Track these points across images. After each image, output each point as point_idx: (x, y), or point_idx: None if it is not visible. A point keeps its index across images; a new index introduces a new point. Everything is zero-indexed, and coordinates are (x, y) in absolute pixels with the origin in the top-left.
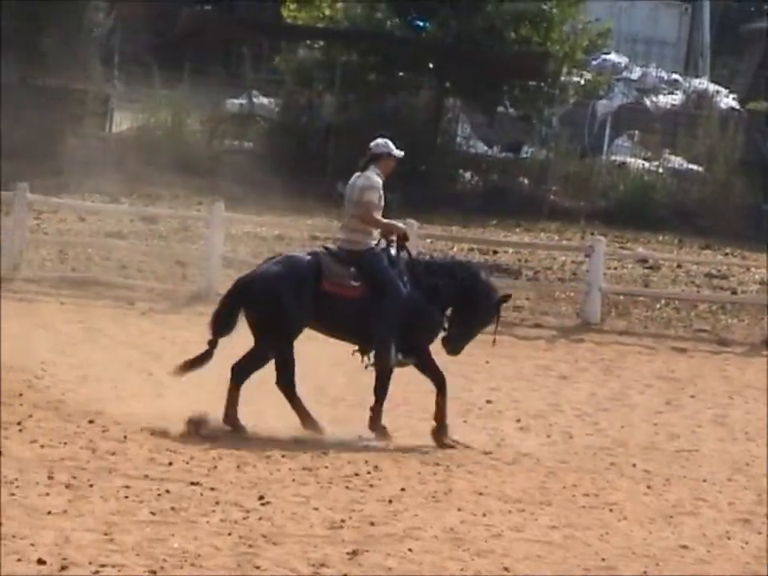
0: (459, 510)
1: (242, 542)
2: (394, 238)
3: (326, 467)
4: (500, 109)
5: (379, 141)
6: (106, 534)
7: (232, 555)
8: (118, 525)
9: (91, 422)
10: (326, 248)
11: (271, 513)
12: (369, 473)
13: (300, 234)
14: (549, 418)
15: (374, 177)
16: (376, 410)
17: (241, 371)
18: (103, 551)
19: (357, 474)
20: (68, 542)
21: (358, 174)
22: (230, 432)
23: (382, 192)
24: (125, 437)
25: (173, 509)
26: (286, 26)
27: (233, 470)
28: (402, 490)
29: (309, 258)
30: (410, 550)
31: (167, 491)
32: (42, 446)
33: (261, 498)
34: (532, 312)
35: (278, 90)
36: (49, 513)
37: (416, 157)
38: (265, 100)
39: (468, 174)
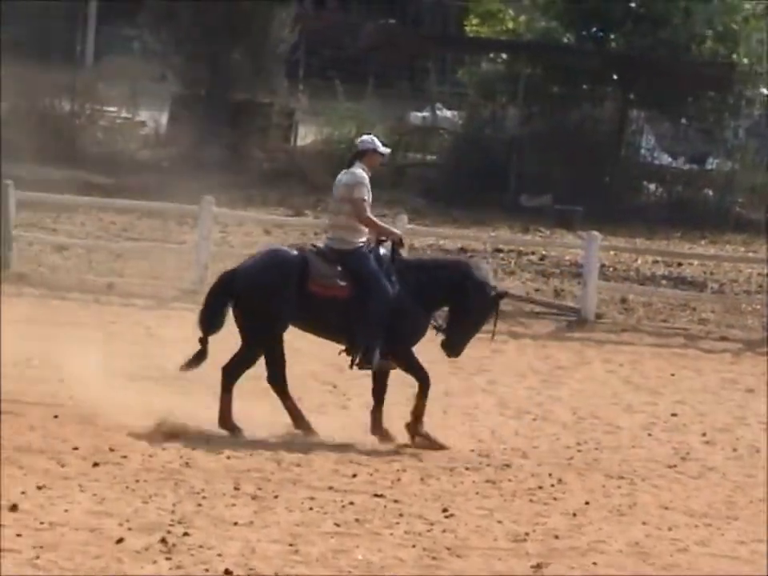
0: (644, 523)
1: (425, 554)
2: (393, 244)
3: (510, 480)
4: (684, 120)
5: (365, 137)
6: (291, 545)
7: (416, 567)
8: (302, 536)
9: (276, 433)
10: (314, 246)
11: (455, 525)
12: (552, 486)
13: (483, 246)
14: (735, 432)
15: (360, 172)
16: (375, 414)
17: (231, 372)
18: (288, 562)
19: (540, 487)
20: (254, 552)
21: (344, 171)
22: (412, 444)
23: (369, 188)
24: (309, 448)
25: (357, 520)
26: (469, 39)
27: (416, 483)
28: (586, 503)
29: (295, 254)
30: (594, 563)
31: (351, 503)
32: (229, 457)
33: (445, 510)
34: (718, 325)
35: (461, 103)
36: (235, 523)
37: (600, 168)
38: (448, 113)
39: (652, 186)
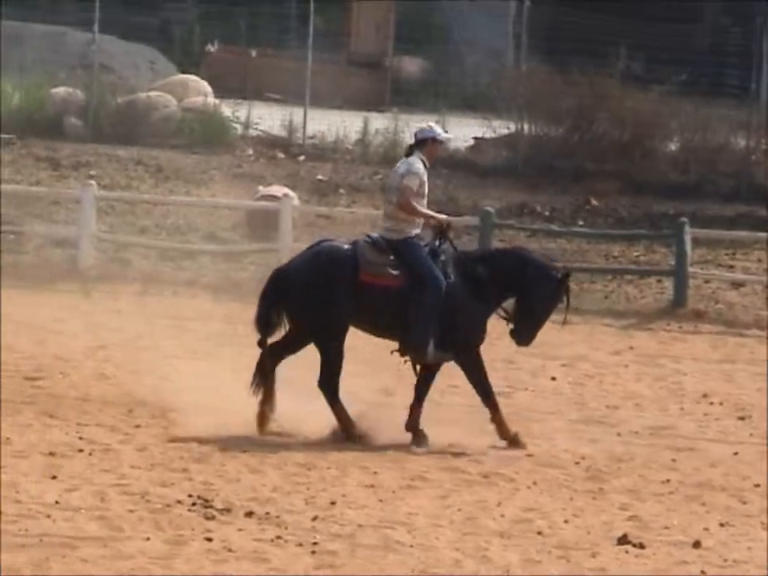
0: None
1: None
2: (440, 229)
3: None
4: None
5: (423, 125)
6: None
7: None
8: None
9: None
10: (368, 236)
11: None
12: None
13: None
14: None
15: (416, 163)
16: (414, 409)
17: (329, 383)
18: None
19: None
20: None
21: (402, 160)
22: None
23: (425, 179)
24: None
25: None
26: None
27: None
28: None
29: (345, 246)
30: None
31: None
32: None
33: None
34: None
35: None
36: None
37: None
38: None
39: None
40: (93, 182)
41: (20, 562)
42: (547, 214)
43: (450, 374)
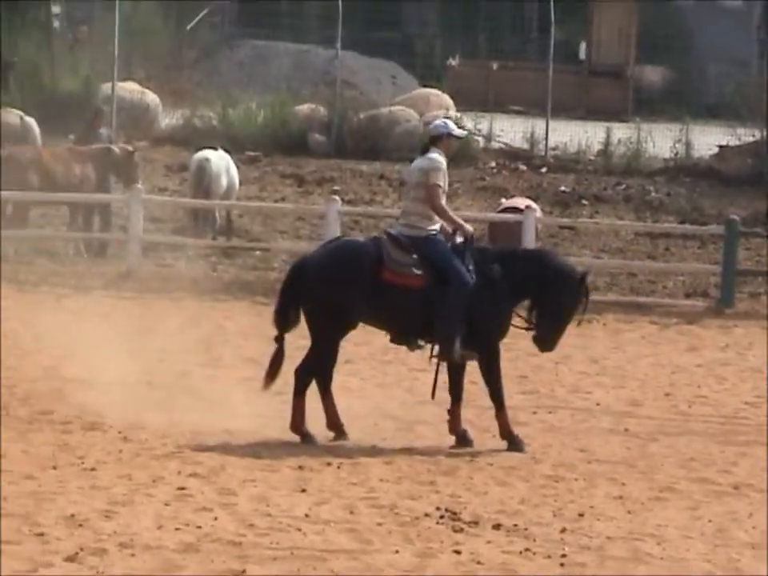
0: None
1: None
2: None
3: None
4: None
5: (438, 122)
6: None
7: None
8: None
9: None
10: (388, 233)
11: None
12: None
13: None
14: None
15: (437, 158)
16: (454, 412)
17: (303, 375)
18: None
19: None
20: None
21: (420, 157)
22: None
23: (445, 173)
24: None
25: None
26: None
27: None
28: None
29: (367, 242)
30: None
31: None
32: None
33: None
34: None
35: None
36: None
37: None
38: None
39: None
40: (337, 197)
41: (271, 575)
42: None
43: (699, 384)
